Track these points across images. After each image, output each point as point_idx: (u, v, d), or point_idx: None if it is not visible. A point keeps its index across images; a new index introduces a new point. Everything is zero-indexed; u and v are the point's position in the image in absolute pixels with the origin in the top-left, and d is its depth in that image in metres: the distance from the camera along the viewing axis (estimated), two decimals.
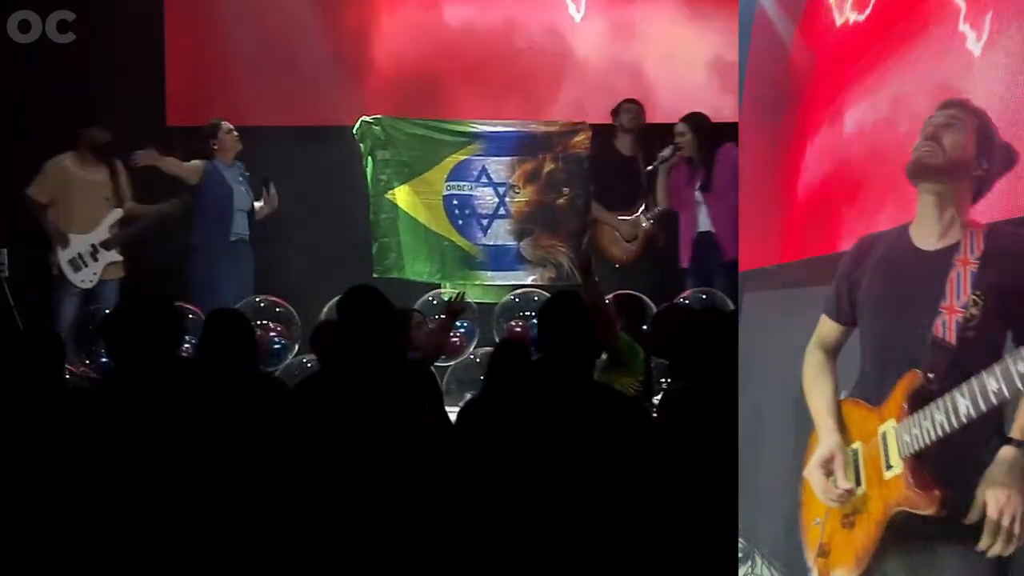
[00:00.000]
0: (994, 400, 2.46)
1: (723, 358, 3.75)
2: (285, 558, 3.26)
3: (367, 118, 6.93)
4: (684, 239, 6.81)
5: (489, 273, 7.04)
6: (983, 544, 2.57)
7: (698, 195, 6.71)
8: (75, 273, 6.67)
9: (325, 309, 6.24)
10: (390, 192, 7.02)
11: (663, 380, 5.63)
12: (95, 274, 6.71)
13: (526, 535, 3.25)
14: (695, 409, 3.59)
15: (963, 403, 2.57)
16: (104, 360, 5.91)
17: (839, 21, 4.98)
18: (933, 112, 2.89)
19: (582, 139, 7.06)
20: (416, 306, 6.21)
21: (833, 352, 3.17)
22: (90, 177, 6.77)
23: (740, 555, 5.04)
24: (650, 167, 6.86)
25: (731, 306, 5.99)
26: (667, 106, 7.24)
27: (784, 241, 5.62)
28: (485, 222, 7.06)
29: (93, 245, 6.72)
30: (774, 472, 5.11)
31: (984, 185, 2.83)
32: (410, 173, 7.03)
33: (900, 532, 2.76)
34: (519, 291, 6.66)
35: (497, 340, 6.35)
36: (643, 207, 7.06)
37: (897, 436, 2.75)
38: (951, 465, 2.64)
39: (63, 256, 6.66)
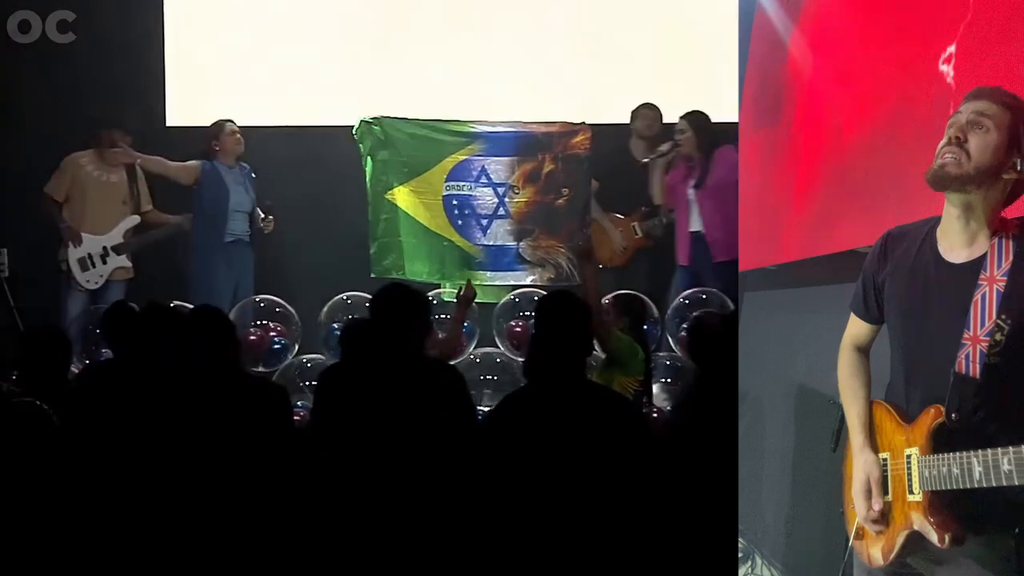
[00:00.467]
0: (1004, 481, 2.41)
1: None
2: (289, 559, 3.27)
3: (367, 118, 6.92)
4: (681, 237, 6.81)
5: (488, 273, 7.02)
6: None
7: (691, 193, 6.71)
8: (82, 273, 6.67)
9: (325, 309, 6.24)
10: (389, 192, 7.01)
11: (664, 380, 5.64)
12: (102, 276, 6.70)
13: (526, 534, 3.25)
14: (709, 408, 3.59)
15: (977, 470, 2.52)
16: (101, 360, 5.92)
17: (838, 20, 4.98)
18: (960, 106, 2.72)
19: (582, 139, 7.04)
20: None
21: (866, 350, 3.11)
22: (106, 178, 6.76)
23: (740, 555, 5.05)
24: (646, 160, 6.87)
25: (731, 306, 5.99)
26: (666, 106, 7.24)
27: (784, 241, 5.62)
28: (484, 222, 7.05)
29: (105, 247, 6.71)
30: (774, 472, 5.11)
31: (1020, 187, 2.69)
32: (410, 173, 7.02)
33: (913, 548, 2.77)
34: (519, 291, 6.66)
35: (497, 340, 6.36)
36: (642, 214, 7.08)
37: (919, 467, 2.72)
38: (972, 506, 2.61)
39: (73, 254, 6.65)
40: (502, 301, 6.56)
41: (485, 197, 7.03)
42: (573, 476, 3.29)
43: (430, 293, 6.61)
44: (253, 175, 6.92)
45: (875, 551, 2.89)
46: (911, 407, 2.81)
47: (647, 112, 7.08)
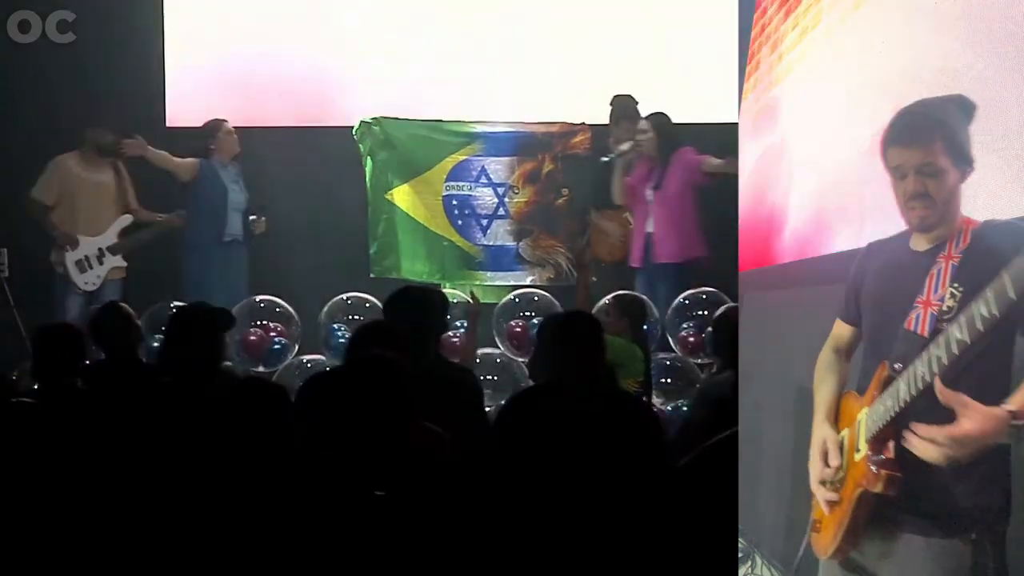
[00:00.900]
0: (955, 349, 2.47)
1: None
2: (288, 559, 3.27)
3: (367, 118, 6.93)
4: (636, 238, 6.81)
5: (488, 273, 7.04)
6: None
7: (650, 195, 6.72)
8: (80, 275, 6.67)
9: (325, 309, 6.25)
10: (389, 192, 7.03)
11: (664, 380, 5.65)
12: (99, 277, 6.70)
13: (526, 534, 3.25)
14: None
15: (902, 387, 2.64)
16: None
17: (838, 20, 4.98)
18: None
19: (581, 140, 7.06)
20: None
21: (845, 352, 3.22)
22: (95, 178, 6.75)
23: (740, 555, 5.05)
24: (606, 159, 6.85)
25: (730, 304, 5.99)
26: (664, 106, 7.25)
27: (784, 241, 5.62)
28: (484, 222, 7.07)
29: (100, 249, 6.71)
30: (774, 472, 5.11)
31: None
32: (409, 173, 7.03)
33: (865, 514, 2.83)
34: (519, 291, 6.66)
35: (497, 339, 6.36)
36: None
37: (865, 420, 2.84)
38: (928, 508, 2.68)
39: (70, 258, 6.64)
40: (502, 301, 6.56)
41: (485, 197, 7.05)
42: (583, 477, 3.29)
43: None
44: (239, 177, 6.92)
45: (827, 535, 2.96)
46: (868, 381, 2.92)
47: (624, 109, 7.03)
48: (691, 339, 6.21)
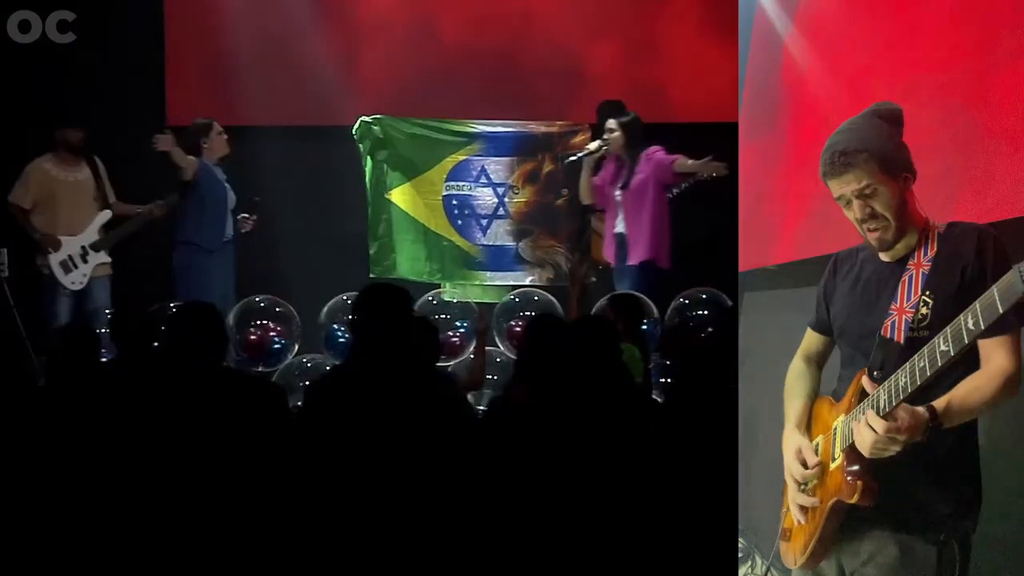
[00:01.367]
0: (940, 361, 2.50)
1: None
2: (285, 560, 3.27)
3: (366, 118, 6.92)
4: (607, 238, 6.80)
5: (488, 273, 7.03)
6: None
7: (618, 194, 6.71)
8: (66, 275, 6.66)
9: (325, 309, 6.24)
10: (389, 192, 7.02)
11: (663, 380, 5.64)
12: (85, 276, 6.69)
13: (526, 533, 3.25)
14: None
15: (882, 396, 2.67)
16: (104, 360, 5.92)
17: (838, 21, 4.99)
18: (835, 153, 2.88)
19: (581, 140, 7.05)
20: (415, 306, 6.21)
21: (816, 361, 3.29)
22: (72, 178, 6.74)
23: (740, 555, 5.05)
24: (572, 158, 6.84)
25: (728, 303, 5.99)
26: (664, 105, 7.25)
27: (784, 241, 5.63)
28: (484, 222, 7.06)
29: (83, 247, 6.70)
30: (774, 472, 5.11)
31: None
32: (409, 173, 7.02)
33: (837, 524, 2.86)
34: (519, 291, 6.66)
35: (497, 339, 6.36)
36: None
37: (842, 428, 2.87)
38: (885, 460, 2.70)
39: (53, 259, 6.64)
40: (502, 301, 6.56)
41: (485, 197, 7.04)
42: (578, 473, 3.30)
43: (430, 293, 6.62)
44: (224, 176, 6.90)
45: (797, 544, 2.97)
46: (846, 389, 2.94)
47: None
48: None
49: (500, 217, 7.04)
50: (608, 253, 6.78)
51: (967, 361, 2.67)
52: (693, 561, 3.32)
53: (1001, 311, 2.32)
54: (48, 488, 3.37)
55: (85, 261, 6.70)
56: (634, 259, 6.59)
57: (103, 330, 5.93)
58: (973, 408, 2.69)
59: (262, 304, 6.28)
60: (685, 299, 6.31)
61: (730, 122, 6.31)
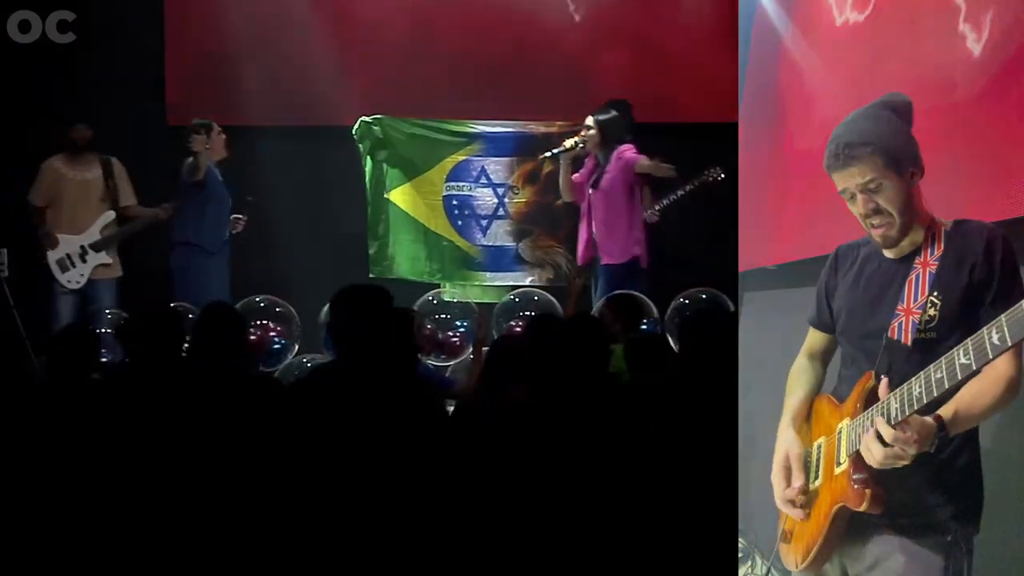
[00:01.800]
0: (959, 375, 2.45)
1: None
2: (285, 559, 3.27)
3: (366, 118, 6.92)
4: (580, 237, 6.78)
5: (488, 274, 7.04)
6: None
7: (590, 193, 6.70)
8: (63, 273, 6.67)
9: (325, 309, 6.24)
10: (389, 192, 7.02)
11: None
12: (83, 275, 6.70)
13: (526, 533, 3.25)
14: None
15: (893, 406, 2.62)
16: (104, 360, 5.91)
17: (838, 21, 4.98)
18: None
19: None
20: (415, 306, 6.21)
21: (819, 358, 3.24)
22: (80, 177, 6.76)
23: (740, 555, 5.05)
24: (548, 154, 6.82)
25: (730, 305, 5.99)
26: (664, 105, 7.24)
27: (784, 241, 5.63)
28: (484, 223, 7.06)
29: (83, 246, 6.71)
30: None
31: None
32: (409, 173, 7.03)
33: (842, 529, 2.82)
34: (518, 291, 6.66)
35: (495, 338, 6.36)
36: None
37: (848, 433, 2.81)
38: (901, 515, 2.71)
39: (51, 256, 6.66)
40: (502, 301, 6.56)
41: (485, 197, 7.05)
42: (578, 473, 3.29)
43: (429, 293, 6.62)
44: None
45: (799, 547, 2.94)
46: (848, 390, 2.90)
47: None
48: None
49: (500, 217, 7.05)
50: (580, 252, 6.76)
51: None
52: (693, 561, 3.31)
53: None
54: (48, 488, 3.36)
55: (84, 261, 6.70)
56: (607, 259, 6.57)
57: (104, 330, 5.98)
58: (978, 414, 2.65)
59: (262, 304, 6.28)
60: (685, 299, 6.31)
61: (730, 122, 6.30)
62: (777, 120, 5.97)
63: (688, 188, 6.82)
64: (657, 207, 6.96)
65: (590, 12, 7.55)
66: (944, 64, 3.82)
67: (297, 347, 6.28)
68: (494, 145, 7.05)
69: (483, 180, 7.04)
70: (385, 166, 6.99)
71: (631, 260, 6.55)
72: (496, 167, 7.04)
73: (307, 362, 6.09)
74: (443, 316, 6.31)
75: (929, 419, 2.56)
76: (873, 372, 2.79)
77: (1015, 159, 3.32)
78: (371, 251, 6.97)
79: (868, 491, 2.68)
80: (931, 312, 2.72)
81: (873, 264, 2.97)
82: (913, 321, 2.74)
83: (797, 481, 2.91)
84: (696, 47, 7.37)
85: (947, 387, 2.47)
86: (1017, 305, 2.27)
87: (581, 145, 6.67)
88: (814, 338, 3.24)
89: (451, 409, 4.04)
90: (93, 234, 6.74)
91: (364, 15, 7.56)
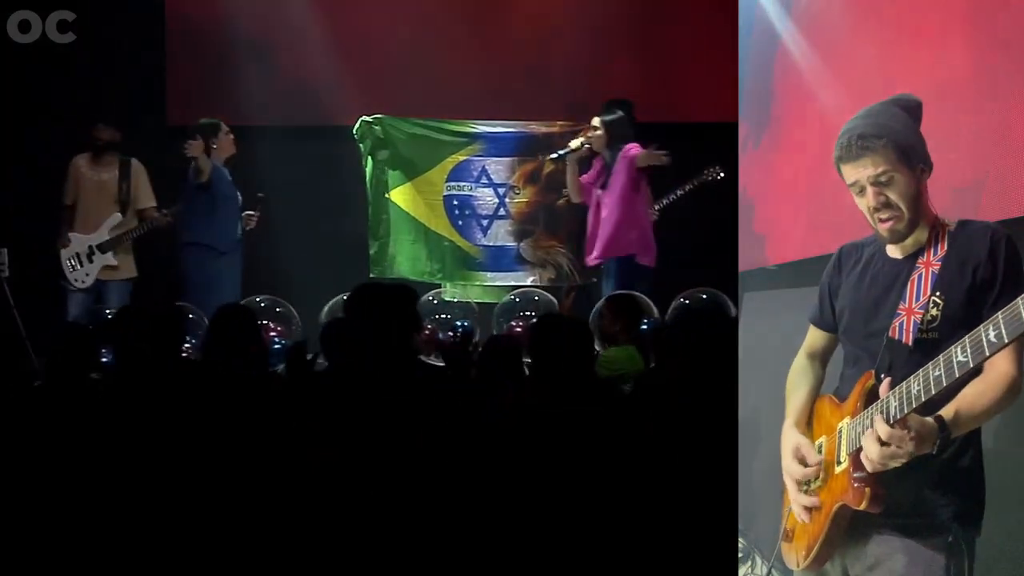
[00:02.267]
0: (956, 372, 2.45)
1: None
2: (291, 559, 3.26)
3: (367, 118, 6.92)
4: (591, 237, 6.79)
5: (489, 274, 7.03)
6: None
7: (598, 193, 6.70)
8: (71, 272, 6.69)
9: (325, 309, 6.24)
10: (389, 192, 7.02)
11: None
12: (89, 275, 6.71)
13: (526, 535, 3.25)
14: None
15: (892, 405, 2.62)
16: (104, 359, 5.91)
17: (838, 21, 4.98)
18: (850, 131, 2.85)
19: None
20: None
21: (820, 357, 3.24)
22: (98, 177, 6.77)
23: (740, 555, 5.05)
24: (554, 156, 6.83)
25: (730, 305, 5.98)
26: (661, 106, 7.24)
27: (784, 241, 5.62)
28: (485, 223, 7.06)
29: (91, 246, 6.72)
30: (774, 472, 5.10)
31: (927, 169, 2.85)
32: (410, 173, 7.03)
33: (843, 527, 2.82)
34: (519, 291, 6.66)
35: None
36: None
37: (848, 431, 2.81)
38: (902, 516, 2.70)
39: (63, 255, 6.68)
40: (502, 301, 6.56)
41: (486, 197, 7.04)
42: (578, 473, 3.29)
43: (429, 293, 6.62)
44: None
45: (800, 546, 2.94)
46: (850, 390, 2.89)
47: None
48: None
49: (501, 217, 7.05)
50: (590, 253, 6.76)
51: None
52: (693, 561, 3.31)
53: None
54: (48, 488, 3.36)
55: (91, 261, 6.72)
56: (612, 254, 6.58)
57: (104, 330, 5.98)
58: (979, 415, 2.64)
59: (262, 304, 6.28)
60: (685, 299, 6.31)
61: (730, 122, 6.30)
62: (777, 120, 5.97)
63: (688, 188, 6.83)
64: (657, 207, 6.96)
65: (590, 12, 7.55)
66: (945, 64, 3.82)
67: None
68: (495, 145, 7.04)
69: (484, 180, 7.04)
70: (385, 166, 6.99)
71: (635, 256, 6.56)
72: (497, 167, 7.04)
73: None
74: (443, 316, 6.31)
75: (929, 419, 2.56)
76: (873, 371, 2.79)
77: (1015, 159, 3.32)
78: (372, 251, 6.97)
79: (868, 490, 2.68)
80: (933, 312, 2.72)
81: (877, 264, 2.97)
82: (915, 321, 2.74)
83: (812, 459, 2.91)
84: (696, 47, 7.37)
85: (945, 385, 2.47)
86: (1014, 302, 2.27)
87: (587, 146, 6.68)
88: (814, 337, 3.23)
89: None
90: (102, 235, 6.75)
91: (364, 14, 7.56)
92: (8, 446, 3.47)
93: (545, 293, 6.62)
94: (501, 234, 7.06)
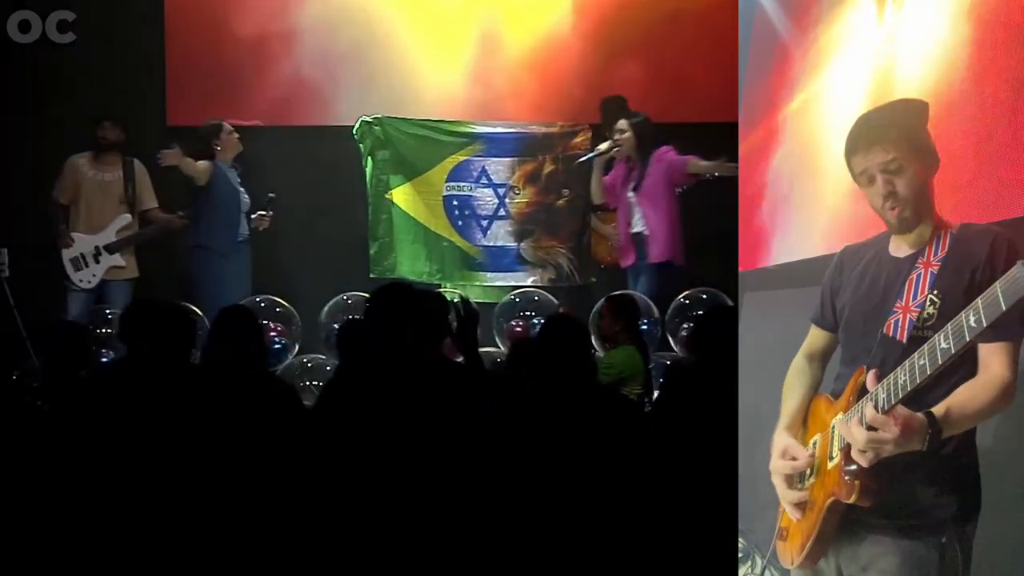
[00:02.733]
0: (940, 359, 2.47)
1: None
2: (295, 559, 3.27)
3: (367, 118, 6.93)
4: (622, 239, 6.80)
5: (489, 274, 7.04)
6: None
7: (632, 196, 6.71)
8: (76, 272, 6.67)
9: (325, 309, 6.25)
10: (389, 192, 7.03)
11: (662, 380, 5.64)
12: (95, 276, 6.70)
13: (527, 535, 3.25)
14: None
15: (881, 396, 2.64)
16: (104, 359, 5.92)
17: (839, 21, 4.98)
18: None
19: (582, 140, 7.07)
20: None
21: (819, 357, 3.26)
22: (101, 177, 6.76)
23: (740, 555, 5.04)
24: (583, 159, 6.84)
25: (728, 303, 5.98)
26: (664, 105, 7.24)
27: (784, 241, 5.62)
28: (485, 223, 7.07)
29: (97, 247, 6.71)
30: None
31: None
32: (410, 173, 7.04)
33: (835, 523, 2.84)
34: (519, 291, 6.67)
35: (497, 339, 6.36)
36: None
37: (840, 427, 2.83)
38: (882, 462, 2.68)
39: (65, 255, 6.67)
40: (502, 301, 6.57)
41: (485, 198, 7.05)
42: (579, 473, 3.30)
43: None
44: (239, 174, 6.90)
45: (794, 543, 2.95)
46: (844, 387, 2.91)
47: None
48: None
49: (501, 218, 7.05)
50: (623, 254, 6.78)
51: (966, 367, 2.65)
52: (693, 561, 3.32)
53: (1004, 308, 2.28)
54: (49, 488, 3.37)
55: (97, 261, 6.71)
56: (654, 258, 6.60)
57: (104, 330, 5.99)
58: (972, 415, 2.65)
59: (262, 304, 6.29)
60: (685, 299, 6.32)
61: (730, 122, 6.30)
62: (777, 120, 5.96)
63: (687, 187, 6.83)
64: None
65: (590, 13, 7.55)
66: (946, 64, 3.82)
67: (297, 347, 6.28)
68: (494, 145, 7.05)
69: (483, 180, 7.05)
70: (385, 166, 6.99)
71: (672, 260, 6.59)
72: (497, 167, 7.05)
73: (307, 362, 6.10)
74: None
75: (919, 414, 2.57)
76: (865, 367, 2.80)
77: (1015, 159, 3.32)
78: (372, 251, 6.97)
79: (858, 483, 2.69)
80: (930, 310, 2.74)
81: (879, 264, 2.98)
82: (910, 319, 2.76)
83: (802, 456, 2.93)
84: (696, 47, 7.36)
85: (929, 373, 2.50)
86: (992, 287, 2.32)
87: (616, 148, 6.70)
88: (815, 336, 3.24)
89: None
90: (109, 235, 6.74)
91: (364, 14, 7.56)
92: (8, 446, 3.47)
93: (545, 293, 6.62)
94: (501, 234, 7.06)
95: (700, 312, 6.23)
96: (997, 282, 2.31)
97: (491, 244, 7.07)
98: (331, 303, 6.29)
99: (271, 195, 6.82)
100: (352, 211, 7.02)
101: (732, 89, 6.14)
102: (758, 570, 5.02)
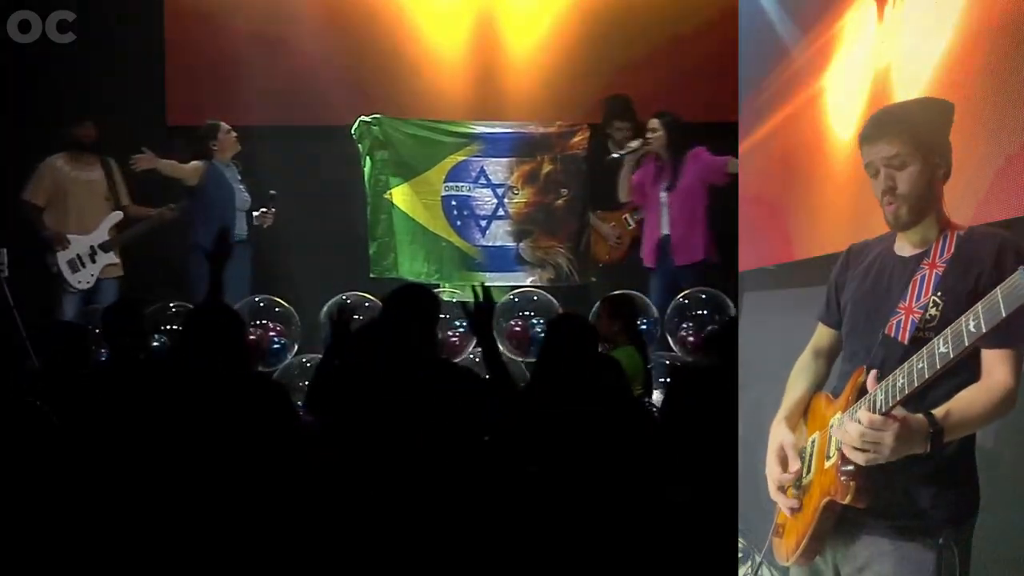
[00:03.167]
0: (938, 363, 2.46)
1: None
2: (294, 559, 3.27)
3: (366, 118, 6.93)
4: (649, 239, 6.81)
5: (488, 274, 7.03)
6: None
7: (663, 196, 6.72)
8: (73, 274, 6.68)
9: (325, 309, 6.25)
10: (388, 192, 7.02)
11: (662, 380, 5.65)
12: (92, 275, 6.71)
13: (527, 533, 3.25)
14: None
15: (880, 398, 2.63)
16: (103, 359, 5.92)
17: (840, 21, 4.99)
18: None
19: (580, 140, 7.06)
20: None
21: (825, 355, 3.24)
22: (84, 176, 6.76)
23: (740, 555, 5.05)
24: (615, 155, 6.85)
25: (730, 305, 5.99)
26: (664, 105, 7.25)
27: (783, 241, 5.63)
28: (484, 223, 7.07)
29: (92, 247, 6.72)
30: None
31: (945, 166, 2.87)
32: (408, 173, 7.03)
33: (831, 522, 2.83)
34: (518, 291, 6.67)
35: (497, 340, 6.35)
36: (632, 205, 7.07)
37: (837, 426, 2.83)
38: (882, 465, 2.68)
39: (62, 257, 6.66)
40: (502, 301, 6.56)
41: (484, 198, 7.05)
42: (579, 472, 3.30)
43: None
44: (239, 176, 6.90)
45: (790, 541, 2.95)
46: (844, 386, 2.91)
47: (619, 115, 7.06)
48: (691, 339, 6.22)
49: (499, 218, 7.05)
50: (648, 256, 6.78)
51: (968, 372, 2.64)
52: (693, 561, 3.32)
53: (1004, 314, 2.26)
54: (49, 488, 3.36)
55: (93, 261, 6.72)
56: (683, 260, 6.60)
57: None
58: (972, 420, 2.65)
59: (262, 304, 6.29)
60: (685, 299, 6.32)
61: (730, 122, 6.31)
62: (777, 120, 5.97)
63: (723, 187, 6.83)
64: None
65: (589, 13, 7.56)
66: (946, 64, 3.82)
67: (297, 347, 6.29)
68: (493, 145, 7.05)
69: (482, 180, 7.05)
70: (384, 166, 6.99)
71: (704, 259, 6.60)
72: (495, 167, 7.04)
73: (307, 362, 6.09)
74: (442, 316, 6.31)
75: (919, 415, 2.58)
76: (865, 367, 2.80)
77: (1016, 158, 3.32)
78: (371, 251, 6.97)
79: (853, 483, 2.69)
80: (932, 312, 2.73)
81: (883, 262, 2.98)
82: (913, 320, 2.75)
83: (793, 466, 2.94)
84: (696, 47, 7.37)
85: (927, 376, 2.49)
86: (993, 292, 2.31)
87: (648, 146, 6.71)
88: (821, 334, 3.24)
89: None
90: (102, 234, 6.75)
91: (365, 14, 7.57)
92: (8, 446, 3.47)
93: (544, 293, 6.62)
94: (500, 234, 7.06)
95: (699, 312, 6.25)
96: (998, 287, 2.30)
97: (490, 244, 7.06)
98: (331, 303, 6.29)
99: (272, 193, 6.83)
100: (352, 211, 7.02)
101: (732, 89, 6.14)
102: (758, 570, 5.02)
